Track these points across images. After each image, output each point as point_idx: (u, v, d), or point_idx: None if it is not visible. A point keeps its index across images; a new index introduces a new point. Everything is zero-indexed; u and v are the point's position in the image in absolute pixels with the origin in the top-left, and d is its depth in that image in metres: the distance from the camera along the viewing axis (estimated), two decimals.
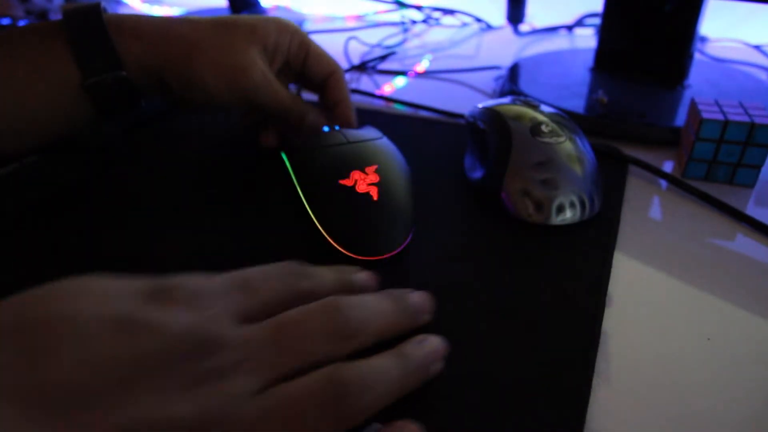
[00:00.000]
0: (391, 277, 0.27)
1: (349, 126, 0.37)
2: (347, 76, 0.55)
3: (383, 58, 0.59)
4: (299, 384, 0.17)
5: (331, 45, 0.44)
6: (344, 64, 0.58)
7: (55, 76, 0.31)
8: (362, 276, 0.23)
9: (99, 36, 0.31)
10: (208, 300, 0.18)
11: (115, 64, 0.32)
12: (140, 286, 0.18)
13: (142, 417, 0.15)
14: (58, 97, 0.32)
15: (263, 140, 0.39)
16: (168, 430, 0.15)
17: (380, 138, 0.33)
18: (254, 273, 0.20)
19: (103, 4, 0.33)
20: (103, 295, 0.17)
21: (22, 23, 0.54)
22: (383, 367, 0.18)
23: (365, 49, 0.63)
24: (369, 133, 0.34)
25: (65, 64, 0.31)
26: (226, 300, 0.19)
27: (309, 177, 0.30)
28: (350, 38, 0.63)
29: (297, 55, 0.37)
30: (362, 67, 0.57)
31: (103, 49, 0.31)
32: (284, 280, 0.21)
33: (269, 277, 0.20)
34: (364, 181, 0.28)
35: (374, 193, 0.28)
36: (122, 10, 0.40)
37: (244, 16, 0.35)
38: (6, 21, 0.55)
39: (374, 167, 0.29)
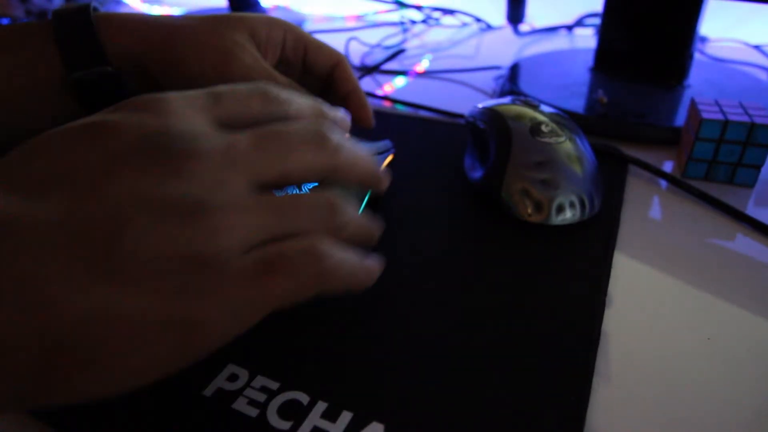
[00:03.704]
0: (388, 277, 0.27)
1: (365, 115, 0.35)
2: (356, 72, 0.55)
3: (392, 56, 0.59)
4: (296, 194, 0.18)
5: (330, 44, 0.44)
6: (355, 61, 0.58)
7: (39, 71, 0.31)
8: (337, 113, 0.23)
9: (85, 32, 0.31)
10: (179, 106, 0.18)
11: (100, 58, 0.31)
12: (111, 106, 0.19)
13: (137, 193, 0.16)
14: (42, 93, 0.32)
15: None
16: (160, 209, 0.16)
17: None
18: (224, 88, 0.20)
19: (95, 3, 0.33)
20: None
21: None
22: (349, 205, 0.20)
23: (365, 49, 0.63)
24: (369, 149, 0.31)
25: (49, 60, 0.31)
26: (195, 103, 0.19)
27: None
28: (351, 39, 0.63)
29: (295, 50, 0.35)
30: (373, 68, 0.57)
31: (89, 45, 0.31)
32: (257, 101, 0.20)
33: (240, 94, 0.20)
34: None
35: None
36: (122, 10, 0.40)
37: (235, 13, 0.35)
38: (6, 21, 0.55)
39: (313, 187, 0.27)
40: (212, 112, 0.19)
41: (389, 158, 0.31)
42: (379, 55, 0.61)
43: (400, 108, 0.47)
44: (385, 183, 0.22)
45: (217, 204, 0.16)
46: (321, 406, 0.20)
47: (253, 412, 0.20)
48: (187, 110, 0.18)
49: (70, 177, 0.16)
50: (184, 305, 0.15)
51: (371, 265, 0.20)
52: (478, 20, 0.75)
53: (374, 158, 0.22)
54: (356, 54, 0.61)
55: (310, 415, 0.20)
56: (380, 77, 0.55)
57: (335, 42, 0.45)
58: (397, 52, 0.60)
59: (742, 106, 0.34)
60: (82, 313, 0.14)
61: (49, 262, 0.14)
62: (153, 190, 0.16)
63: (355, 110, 0.34)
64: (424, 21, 0.75)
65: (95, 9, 0.33)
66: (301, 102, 0.21)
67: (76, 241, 0.15)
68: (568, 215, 0.30)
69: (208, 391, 0.21)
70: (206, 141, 0.17)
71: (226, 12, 0.36)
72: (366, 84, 0.53)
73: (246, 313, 0.17)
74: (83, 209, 0.15)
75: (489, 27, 0.74)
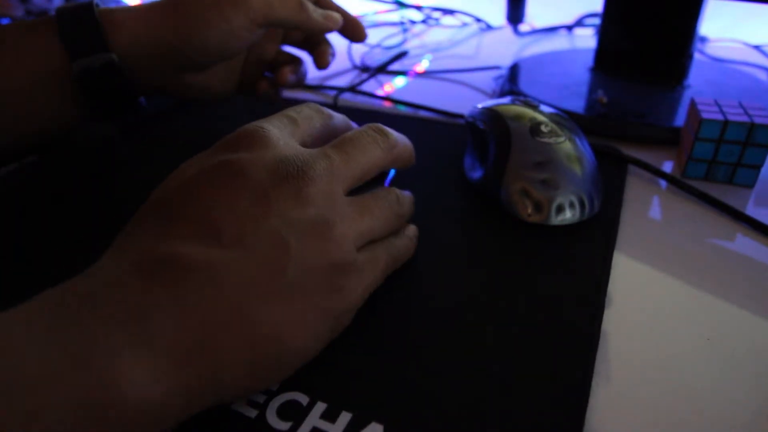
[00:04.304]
0: (388, 277, 0.27)
1: (357, 25, 0.41)
2: (353, 74, 0.55)
3: (396, 58, 0.59)
4: (373, 194, 0.24)
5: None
6: (347, 64, 0.58)
7: (42, 65, 0.31)
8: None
9: (89, 24, 0.32)
10: (277, 136, 0.23)
11: (103, 47, 0.32)
12: (218, 145, 0.23)
13: (286, 221, 0.20)
14: (45, 87, 0.32)
15: (260, 88, 0.41)
16: (303, 231, 0.20)
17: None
18: (293, 113, 0.25)
19: (97, 0, 0.33)
20: (198, 160, 0.22)
21: None
22: (406, 194, 0.27)
23: (365, 49, 0.63)
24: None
25: (52, 53, 0.31)
26: (285, 131, 0.24)
27: None
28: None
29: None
30: (380, 69, 0.57)
31: (92, 36, 0.32)
32: (318, 117, 0.26)
33: (306, 115, 0.25)
34: None
35: None
36: None
37: None
38: (6, 21, 0.55)
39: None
40: (297, 135, 0.24)
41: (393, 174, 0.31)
42: (379, 55, 0.61)
43: (400, 108, 0.47)
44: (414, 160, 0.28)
45: (334, 217, 0.21)
46: (320, 406, 0.20)
47: (252, 412, 0.20)
48: (284, 139, 0.23)
49: (233, 220, 0.19)
50: (336, 299, 0.21)
51: (412, 233, 0.27)
52: (478, 20, 0.75)
53: (408, 141, 0.27)
54: (356, 54, 0.61)
55: (310, 416, 0.20)
56: (380, 77, 0.55)
57: (335, 42, 0.45)
58: (401, 54, 0.60)
59: (742, 106, 0.34)
60: (275, 322, 0.19)
61: (248, 293, 0.18)
62: (296, 216, 0.20)
63: (349, 27, 0.41)
64: (424, 21, 0.75)
65: (97, 5, 0.33)
66: (333, 112, 0.27)
67: (258, 273, 0.19)
68: (568, 215, 0.30)
69: None
70: (313, 163, 0.22)
71: None
72: (367, 84, 0.53)
73: (367, 294, 0.23)
74: (253, 246, 0.19)
75: (489, 27, 0.74)
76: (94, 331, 0.16)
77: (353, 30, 0.41)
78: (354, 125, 0.28)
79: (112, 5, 0.35)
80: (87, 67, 0.32)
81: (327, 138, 0.25)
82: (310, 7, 0.37)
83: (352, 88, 0.50)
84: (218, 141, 0.23)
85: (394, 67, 0.58)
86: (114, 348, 0.16)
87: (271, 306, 0.19)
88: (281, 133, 0.23)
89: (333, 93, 0.51)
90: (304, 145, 0.24)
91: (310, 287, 0.20)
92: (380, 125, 0.26)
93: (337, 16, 0.39)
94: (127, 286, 0.18)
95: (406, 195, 0.27)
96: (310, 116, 0.25)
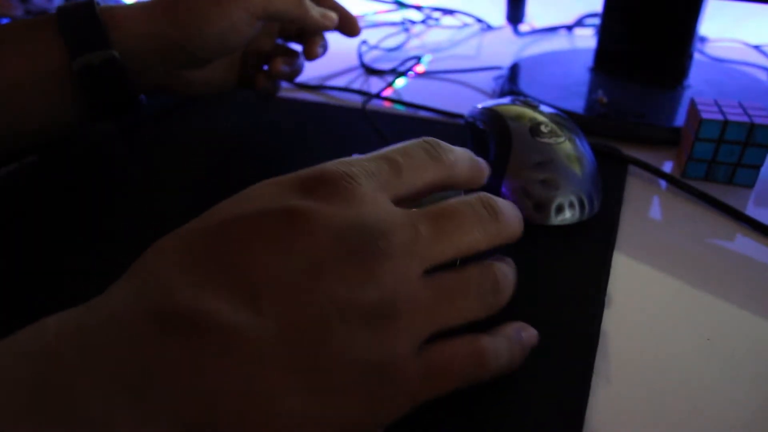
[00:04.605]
0: None
1: (353, 22, 0.41)
2: (357, 71, 0.55)
3: (413, 64, 0.59)
4: (461, 273, 0.19)
5: (332, 45, 0.44)
6: (356, 61, 0.58)
7: (43, 62, 0.31)
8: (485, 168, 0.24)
9: (88, 22, 0.32)
10: (367, 190, 0.19)
11: (104, 44, 0.32)
12: (294, 180, 0.19)
13: (337, 300, 0.16)
14: (47, 84, 0.32)
15: (259, 82, 0.42)
16: (358, 317, 0.17)
17: None
18: (401, 157, 0.21)
19: None
20: (264, 195, 0.19)
21: None
22: (509, 271, 0.21)
23: (364, 48, 0.63)
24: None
25: (53, 50, 0.31)
26: (379, 182, 0.20)
27: None
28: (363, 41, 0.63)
29: None
30: (400, 74, 0.56)
31: (93, 32, 0.32)
32: (432, 169, 0.21)
33: (417, 162, 0.21)
34: None
35: None
36: None
37: None
38: (6, 21, 0.55)
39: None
40: (394, 190, 0.20)
41: None
42: (379, 55, 0.61)
43: (400, 108, 0.47)
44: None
45: (400, 304, 0.17)
46: None
47: None
48: (372, 193, 0.19)
49: (276, 285, 0.16)
50: (363, 413, 0.16)
51: (526, 340, 0.21)
52: (479, 20, 0.75)
53: (519, 214, 0.22)
54: (354, 53, 0.61)
55: None
56: (380, 77, 0.55)
57: (335, 41, 0.45)
58: (419, 58, 0.60)
59: (741, 106, 0.34)
60: (280, 420, 0.15)
61: (266, 375, 0.15)
62: (351, 297, 0.17)
63: (344, 22, 0.41)
64: (424, 21, 0.75)
65: (98, 3, 0.33)
66: (458, 156, 0.23)
67: (284, 355, 0.16)
68: (568, 215, 0.30)
69: None
70: (392, 235, 0.18)
71: None
72: (366, 84, 0.53)
73: (407, 409, 0.18)
74: (291, 321, 0.16)
75: (489, 27, 0.74)
76: (91, 404, 0.14)
77: (348, 25, 0.41)
78: (481, 163, 0.24)
79: (112, 3, 0.35)
80: (87, 64, 0.31)
81: (438, 191, 0.22)
82: (308, 2, 0.37)
83: (378, 95, 0.50)
84: (300, 172, 0.20)
85: (393, 66, 0.58)
86: (112, 428, 0.14)
87: (285, 396, 0.16)
88: (372, 186, 0.19)
89: (333, 92, 0.51)
90: (399, 200, 0.20)
91: (339, 387, 0.16)
92: (493, 198, 0.21)
93: (333, 15, 0.39)
94: (138, 338, 0.15)
95: (508, 273, 0.21)
96: (422, 166, 0.21)
